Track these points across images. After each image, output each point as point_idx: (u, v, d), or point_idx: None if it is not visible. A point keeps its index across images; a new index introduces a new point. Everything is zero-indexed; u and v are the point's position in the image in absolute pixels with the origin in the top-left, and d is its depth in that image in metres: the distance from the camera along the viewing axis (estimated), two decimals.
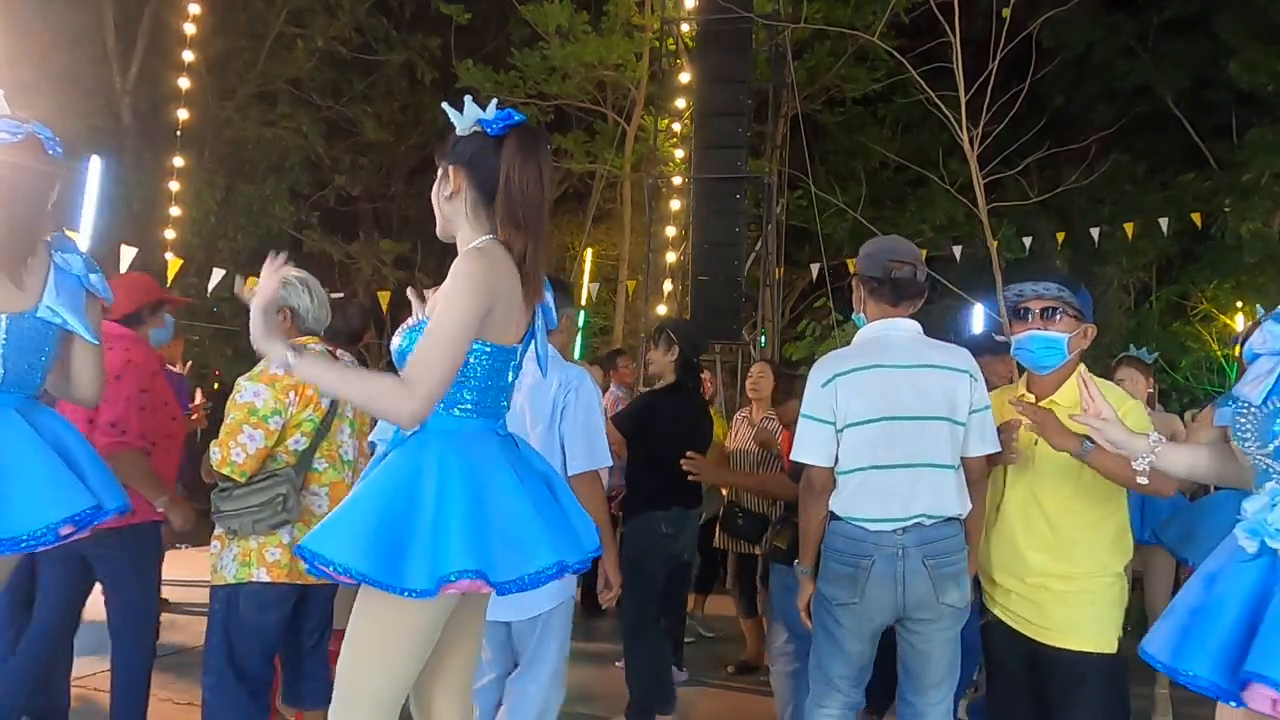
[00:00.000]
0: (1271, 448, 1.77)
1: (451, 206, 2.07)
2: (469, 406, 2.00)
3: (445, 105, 2.08)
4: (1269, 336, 1.85)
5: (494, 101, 2.05)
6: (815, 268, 9.77)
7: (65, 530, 2.20)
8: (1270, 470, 1.79)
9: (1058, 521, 2.61)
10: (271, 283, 1.94)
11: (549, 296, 2.14)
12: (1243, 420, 1.85)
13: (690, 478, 4.02)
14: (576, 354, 10.02)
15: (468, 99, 2.05)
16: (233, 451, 2.85)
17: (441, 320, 1.90)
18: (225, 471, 2.86)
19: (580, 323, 11.98)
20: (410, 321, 2.08)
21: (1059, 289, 2.66)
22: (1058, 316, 2.65)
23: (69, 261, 2.35)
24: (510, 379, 2.09)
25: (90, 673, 4.12)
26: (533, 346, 2.13)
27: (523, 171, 2.00)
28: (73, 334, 2.37)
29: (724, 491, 5.05)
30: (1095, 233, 9.65)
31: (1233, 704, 1.71)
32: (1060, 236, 10.62)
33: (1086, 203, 12.07)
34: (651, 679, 4.13)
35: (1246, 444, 1.84)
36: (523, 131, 2.03)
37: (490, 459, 1.99)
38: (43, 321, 2.30)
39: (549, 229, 2.08)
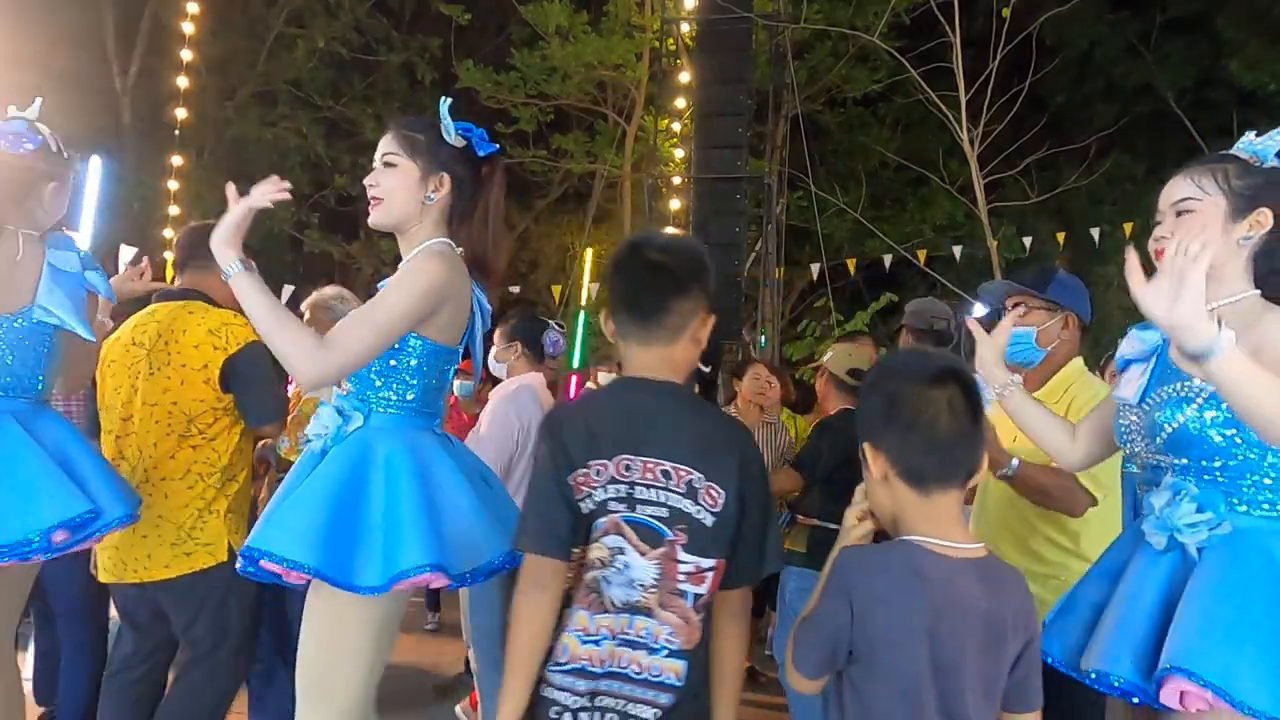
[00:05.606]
0: (1159, 440, 1.77)
1: (426, 206, 2.11)
2: (411, 402, 2.04)
3: (443, 107, 2.13)
4: (1137, 342, 1.90)
5: (446, 103, 2.12)
6: (815, 268, 9.78)
7: (59, 537, 2.11)
8: (1161, 465, 1.78)
9: (1032, 521, 2.57)
10: (267, 189, 1.93)
11: (484, 299, 2.22)
12: (1125, 423, 1.86)
13: None
14: (577, 355, 10.02)
15: (443, 105, 2.12)
16: (301, 442, 2.90)
17: (385, 301, 1.95)
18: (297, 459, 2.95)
19: (580, 323, 11.99)
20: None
21: (1008, 285, 2.70)
22: (1022, 311, 2.63)
23: (66, 260, 2.27)
24: (449, 379, 2.18)
25: None
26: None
27: (500, 200, 2.21)
28: (71, 333, 2.28)
29: None
30: (1095, 233, 9.64)
31: (1135, 700, 1.66)
32: (1060, 236, 10.61)
33: (1086, 203, 12.06)
34: None
35: (1134, 445, 1.84)
36: (500, 163, 2.24)
37: (434, 454, 2.03)
38: (38, 323, 2.22)
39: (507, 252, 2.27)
